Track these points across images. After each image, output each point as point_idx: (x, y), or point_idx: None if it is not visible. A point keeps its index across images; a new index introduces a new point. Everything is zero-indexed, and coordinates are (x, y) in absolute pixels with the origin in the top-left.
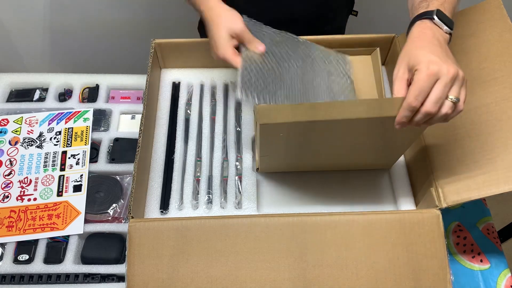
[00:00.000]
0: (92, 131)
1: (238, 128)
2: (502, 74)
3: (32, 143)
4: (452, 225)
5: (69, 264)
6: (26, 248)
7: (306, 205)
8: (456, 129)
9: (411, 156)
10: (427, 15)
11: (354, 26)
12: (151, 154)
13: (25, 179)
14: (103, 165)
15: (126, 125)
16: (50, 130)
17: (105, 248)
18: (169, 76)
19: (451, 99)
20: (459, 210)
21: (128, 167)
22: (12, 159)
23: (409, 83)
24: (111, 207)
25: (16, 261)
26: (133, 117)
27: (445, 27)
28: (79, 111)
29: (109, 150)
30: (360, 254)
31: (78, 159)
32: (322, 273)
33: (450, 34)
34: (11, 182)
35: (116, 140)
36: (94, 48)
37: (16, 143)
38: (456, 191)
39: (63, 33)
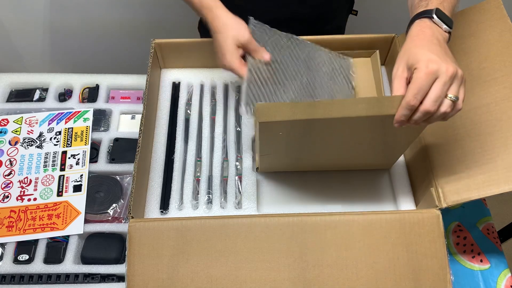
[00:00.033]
0: (92, 131)
1: (238, 128)
2: (502, 74)
3: (32, 143)
4: (452, 225)
5: (69, 264)
6: (26, 248)
7: (306, 205)
8: (456, 129)
9: (411, 156)
10: (426, 14)
11: (354, 26)
12: (151, 154)
13: (25, 179)
14: (103, 165)
15: (126, 125)
16: (50, 130)
17: (105, 248)
18: (169, 76)
19: (450, 97)
20: (459, 210)
21: (128, 167)
22: (12, 159)
23: (408, 82)
24: (111, 207)
25: (16, 261)
26: (133, 117)
27: (445, 26)
28: (79, 111)
29: (109, 150)
30: (360, 254)
31: (78, 159)
32: (322, 273)
33: (449, 33)
34: (11, 182)
35: (116, 140)
36: (94, 48)
37: (16, 143)
38: (456, 191)
39: (63, 33)
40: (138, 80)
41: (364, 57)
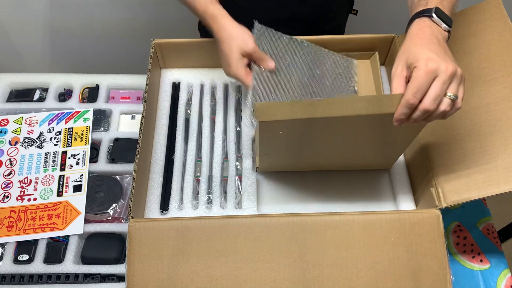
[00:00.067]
0: (92, 131)
1: (238, 128)
2: (502, 74)
3: (32, 143)
4: (452, 225)
5: (69, 264)
6: (26, 248)
7: (306, 205)
8: (456, 129)
9: (411, 156)
10: (426, 13)
11: (354, 25)
12: (151, 154)
13: (25, 179)
14: (103, 165)
15: (126, 125)
16: (50, 130)
17: (105, 248)
18: (169, 76)
19: (449, 96)
20: (459, 210)
21: (128, 167)
22: (12, 159)
23: (407, 80)
24: (111, 207)
25: (16, 261)
26: (133, 117)
27: (444, 25)
28: (79, 111)
29: (109, 150)
30: (360, 254)
31: (78, 159)
32: (322, 273)
33: (448, 32)
34: (11, 182)
35: (116, 140)
36: (94, 48)
37: (16, 143)
38: (456, 191)
39: (63, 33)
40: (138, 80)
41: (364, 59)
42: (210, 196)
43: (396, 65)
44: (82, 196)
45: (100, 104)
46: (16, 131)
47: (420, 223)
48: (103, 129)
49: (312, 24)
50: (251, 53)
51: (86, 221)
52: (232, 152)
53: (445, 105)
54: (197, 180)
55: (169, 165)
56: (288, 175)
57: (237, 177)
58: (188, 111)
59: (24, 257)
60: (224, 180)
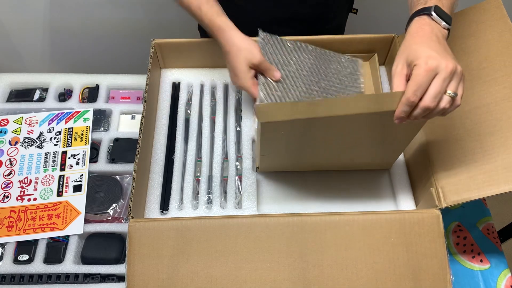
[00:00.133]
0: (92, 131)
1: (238, 128)
2: (502, 74)
3: (32, 143)
4: (452, 225)
5: (69, 264)
6: (26, 248)
7: (306, 205)
8: (456, 129)
9: (411, 156)
10: (425, 11)
11: (354, 24)
12: (151, 154)
13: (25, 179)
14: (103, 165)
15: (126, 125)
16: (50, 130)
17: (105, 248)
18: (169, 76)
19: (449, 94)
20: (459, 210)
21: (128, 167)
22: (12, 159)
23: (408, 78)
24: (111, 207)
25: (16, 261)
26: (133, 117)
27: (443, 23)
28: (79, 111)
29: (109, 150)
30: (360, 254)
31: (78, 159)
32: (322, 273)
33: (448, 29)
34: (11, 182)
35: (116, 140)
36: (94, 48)
37: (16, 143)
38: (456, 191)
39: (63, 33)
40: (138, 80)
41: (363, 61)
42: (210, 196)
43: (396, 63)
44: (82, 196)
45: (100, 104)
46: (16, 131)
47: (420, 223)
48: (103, 129)
49: (312, 24)
50: (258, 65)
51: (86, 221)
52: (232, 152)
53: (445, 102)
54: (197, 180)
55: (169, 165)
56: (288, 175)
57: (237, 177)
58: (188, 111)
59: (24, 257)
60: (224, 180)
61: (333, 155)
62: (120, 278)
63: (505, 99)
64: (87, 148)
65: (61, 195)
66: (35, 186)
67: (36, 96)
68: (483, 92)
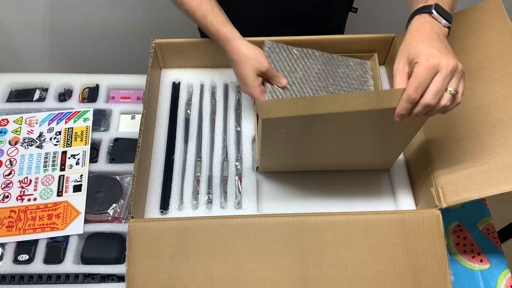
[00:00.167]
0: (92, 131)
1: (238, 128)
2: (502, 74)
3: (32, 143)
4: (452, 225)
5: (69, 264)
6: (26, 248)
7: (306, 205)
8: (456, 129)
9: (411, 156)
10: (425, 9)
11: (354, 23)
12: (151, 154)
13: (25, 179)
14: (103, 165)
15: (126, 125)
16: (50, 130)
17: (105, 248)
18: (169, 76)
19: (450, 91)
20: (459, 210)
21: (128, 167)
22: (12, 159)
23: (409, 76)
24: (111, 207)
25: (16, 261)
26: (133, 117)
27: (444, 21)
28: (79, 111)
29: (109, 150)
30: (360, 254)
31: (78, 159)
32: (322, 273)
33: (448, 28)
34: (11, 182)
35: (116, 140)
36: (94, 48)
37: (16, 143)
38: (456, 191)
39: (63, 33)
40: (138, 80)
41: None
42: (210, 196)
43: (397, 61)
44: (82, 196)
45: (100, 104)
46: (16, 131)
47: (420, 223)
48: (103, 129)
49: (312, 24)
50: (265, 72)
51: (86, 221)
52: (232, 152)
53: (445, 100)
54: (197, 180)
55: (169, 165)
56: (288, 175)
57: (237, 177)
58: (188, 111)
59: (24, 257)
60: (224, 180)
61: (334, 154)
62: (120, 278)
63: (505, 99)
64: (87, 148)
65: (61, 195)
66: (35, 186)
67: (36, 96)
68: (483, 92)
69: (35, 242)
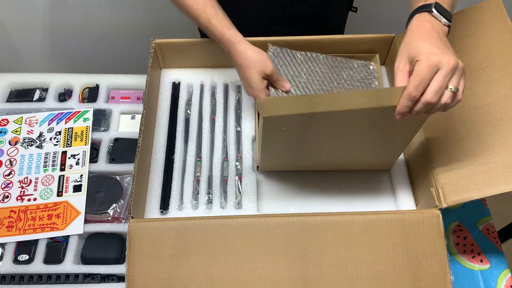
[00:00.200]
0: (92, 131)
1: (238, 128)
2: (502, 74)
3: (32, 143)
4: (452, 225)
5: (69, 264)
6: (26, 248)
7: (306, 205)
8: (456, 129)
9: (411, 156)
10: (425, 8)
11: (354, 23)
12: (151, 154)
13: (25, 179)
14: (103, 165)
15: (126, 125)
16: (50, 130)
17: (105, 248)
18: (169, 76)
19: (451, 89)
20: (459, 210)
21: (128, 167)
22: (12, 159)
23: (410, 75)
24: (111, 207)
25: (16, 261)
26: (133, 117)
27: (444, 20)
28: (79, 111)
29: (109, 150)
30: (360, 254)
31: (78, 159)
32: (322, 273)
33: (448, 26)
34: (11, 182)
35: (116, 140)
36: (94, 48)
37: (16, 143)
38: (456, 191)
39: (63, 33)
40: (138, 80)
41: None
42: (210, 196)
43: (398, 60)
44: (82, 196)
45: (100, 104)
46: (16, 131)
47: (420, 223)
48: (103, 129)
49: (312, 24)
50: (270, 75)
51: (86, 221)
52: (232, 152)
53: (446, 97)
54: (197, 180)
55: (169, 165)
56: (288, 174)
57: (237, 177)
58: (188, 111)
59: (24, 257)
60: (224, 180)
61: (334, 153)
62: (120, 278)
63: (505, 99)
64: (87, 148)
65: (61, 195)
66: (35, 186)
67: (36, 96)
68: (483, 92)
69: (35, 242)
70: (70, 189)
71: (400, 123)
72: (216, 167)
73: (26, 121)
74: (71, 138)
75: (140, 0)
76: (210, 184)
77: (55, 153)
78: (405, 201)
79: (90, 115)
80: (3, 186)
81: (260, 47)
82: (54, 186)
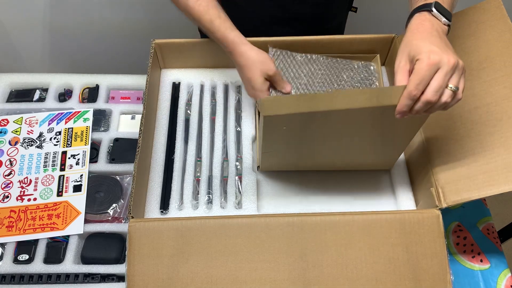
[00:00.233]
0: (92, 131)
1: (238, 128)
2: (502, 74)
3: (32, 143)
4: (452, 225)
5: (69, 264)
6: (26, 248)
7: (307, 205)
8: (456, 129)
9: (411, 156)
10: (425, 7)
11: (354, 23)
12: (151, 154)
13: (25, 179)
14: (103, 165)
15: (126, 125)
16: (50, 130)
17: (105, 248)
18: (169, 76)
19: (451, 88)
20: (459, 210)
21: (128, 167)
22: (12, 159)
23: (410, 74)
24: (111, 207)
25: (16, 261)
26: (133, 117)
27: (444, 19)
28: (79, 111)
29: (109, 150)
30: (360, 254)
31: (78, 159)
32: (322, 273)
33: (448, 26)
34: (11, 182)
35: (116, 140)
36: (94, 48)
37: (16, 143)
38: (456, 191)
39: (63, 33)
40: (138, 80)
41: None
42: (210, 196)
43: (399, 59)
44: (82, 196)
45: (100, 104)
46: (16, 131)
47: (420, 223)
48: (103, 129)
49: (312, 24)
50: (273, 76)
51: (86, 221)
52: (232, 152)
53: (446, 96)
54: (197, 180)
55: (169, 165)
56: (288, 175)
57: (237, 177)
58: (188, 111)
59: (24, 257)
60: (224, 180)
61: (334, 153)
62: (120, 278)
63: (505, 99)
64: (87, 148)
65: (61, 195)
66: (35, 186)
67: (36, 96)
68: (483, 92)
69: (35, 242)
70: (70, 189)
71: (400, 122)
72: (216, 167)
73: (26, 121)
74: (71, 138)
75: (140, 0)
76: (210, 184)
77: (55, 153)
78: (405, 201)
79: (90, 115)
80: (3, 186)
81: (260, 47)
82: (54, 186)
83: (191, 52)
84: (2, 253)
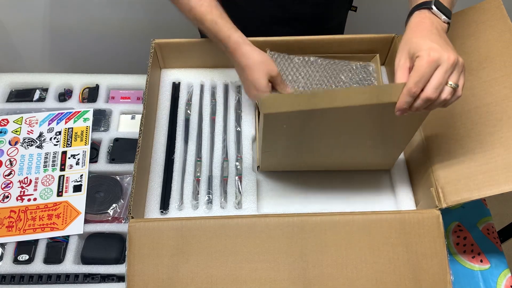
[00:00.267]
0: (92, 131)
1: (238, 128)
2: (502, 74)
3: (32, 143)
4: (452, 225)
5: (69, 264)
6: (26, 248)
7: (306, 205)
8: (456, 129)
9: (411, 156)
10: (425, 5)
11: (354, 22)
12: (151, 154)
13: (25, 179)
14: (103, 165)
15: (126, 125)
16: (50, 130)
17: (105, 248)
18: (169, 76)
19: (451, 85)
20: (459, 210)
21: (128, 167)
22: (12, 159)
23: (410, 71)
24: (111, 207)
25: (16, 261)
26: (133, 117)
27: (444, 17)
28: (79, 111)
29: (109, 150)
30: (360, 254)
31: (78, 159)
32: (322, 273)
33: (448, 23)
34: (11, 182)
35: (116, 140)
36: (94, 48)
37: (16, 143)
38: (456, 191)
39: (63, 33)
40: (138, 80)
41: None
42: (210, 196)
43: (399, 57)
44: (82, 196)
45: (100, 104)
46: (16, 131)
47: (420, 223)
48: (103, 129)
49: (312, 24)
50: (275, 78)
51: (86, 221)
52: (232, 152)
53: (446, 93)
54: (197, 180)
55: (169, 165)
56: (288, 175)
57: (237, 177)
58: (188, 111)
59: (24, 257)
60: (224, 180)
61: (334, 153)
62: (120, 278)
63: (505, 99)
64: (87, 148)
65: (61, 195)
66: (35, 186)
67: (36, 96)
68: (483, 92)
69: (35, 242)
70: (70, 189)
71: (400, 120)
72: (216, 167)
73: (26, 121)
74: (71, 138)
75: (140, 0)
76: (210, 184)
77: (55, 153)
78: (405, 201)
79: (90, 115)
80: (3, 186)
81: (260, 47)
82: (54, 186)
83: (191, 52)
84: (2, 253)
